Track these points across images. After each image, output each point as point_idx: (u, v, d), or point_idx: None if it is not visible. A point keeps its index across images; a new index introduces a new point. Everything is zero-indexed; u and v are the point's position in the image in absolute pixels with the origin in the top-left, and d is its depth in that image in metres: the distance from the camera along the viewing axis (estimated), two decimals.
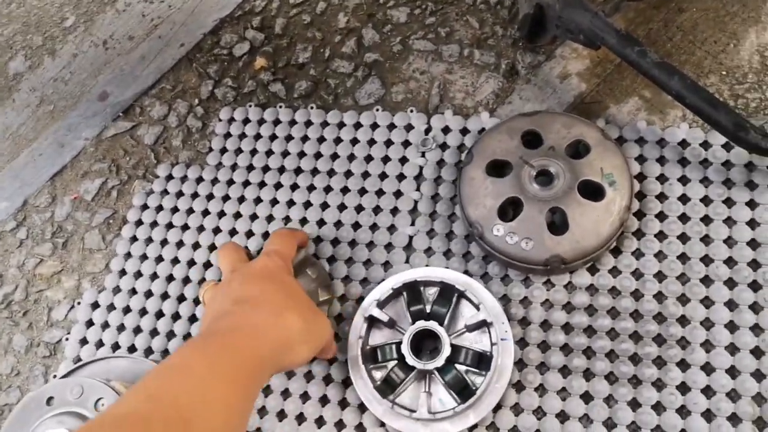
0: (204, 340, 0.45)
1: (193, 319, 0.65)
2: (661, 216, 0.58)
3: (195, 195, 0.70)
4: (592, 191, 0.56)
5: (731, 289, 0.54)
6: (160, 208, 0.71)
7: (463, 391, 0.53)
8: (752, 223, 0.56)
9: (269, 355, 0.45)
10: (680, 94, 0.56)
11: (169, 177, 0.72)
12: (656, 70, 0.56)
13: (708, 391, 0.52)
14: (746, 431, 0.50)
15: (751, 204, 0.57)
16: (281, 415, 0.59)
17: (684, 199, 0.58)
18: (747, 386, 0.51)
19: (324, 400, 0.58)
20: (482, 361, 0.54)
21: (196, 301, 0.65)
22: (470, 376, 0.54)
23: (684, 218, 0.57)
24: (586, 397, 0.53)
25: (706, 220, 0.57)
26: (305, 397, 0.59)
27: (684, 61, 0.66)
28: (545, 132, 0.59)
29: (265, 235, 0.66)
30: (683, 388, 0.52)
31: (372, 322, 0.57)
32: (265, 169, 0.69)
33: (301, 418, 0.58)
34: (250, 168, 0.70)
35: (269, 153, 0.70)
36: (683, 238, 0.57)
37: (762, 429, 0.50)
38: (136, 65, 0.81)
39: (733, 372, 0.52)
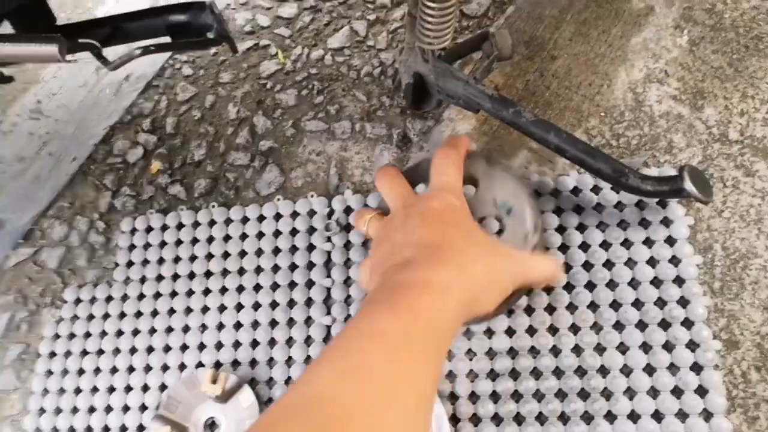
0: (391, 296, 0.40)
1: None
2: (566, 267, 0.59)
3: (106, 316, 0.68)
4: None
5: (642, 331, 0.55)
6: (72, 336, 0.68)
7: None
8: (652, 261, 0.57)
9: (455, 315, 0.41)
10: (559, 148, 0.57)
11: (78, 300, 0.70)
12: (533, 127, 0.58)
13: None
14: None
15: (648, 242, 0.58)
16: None
17: (584, 246, 0.59)
18: (672, 429, 0.51)
19: None
20: None
21: (122, 430, 0.62)
22: None
23: (587, 266, 0.58)
24: None
25: (609, 264, 0.58)
26: None
27: (564, 107, 0.68)
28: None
29: (184, 348, 0.64)
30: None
31: None
32: (175, 277, 0.67)
33: None
34: (159, 278, 0.68)
35: (177, 260, 0.68)
36: (590, 286, 0.58)
37: None
38: (30, 187, 0.78)
39: (657, 416, 0.52)
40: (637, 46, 0.70)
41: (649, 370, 0.54)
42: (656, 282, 0.57)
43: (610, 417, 0.53)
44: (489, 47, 0.62)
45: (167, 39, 0.48)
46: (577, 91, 0.68)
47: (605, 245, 0.59)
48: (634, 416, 0.53)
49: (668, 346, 0.54)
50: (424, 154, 0.68)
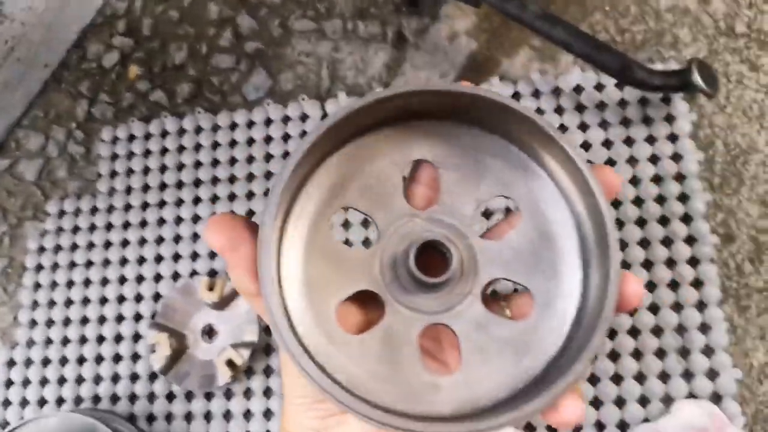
0: None
1: (117, 358, 0.61)
2: None
3: (93, 227, 0.66)
4: None
5: (642, 227, 0.55)
6: (58, 248, 0.66)
7: None
8: (653, 159, 0.57)
9: None
10: (566, 42, 0.55)
11: (61, 213, 0.67)
12: (539, 21, 0.55)
13: (634, 333, 0.53)
14: (672, 362, 0.52)
15: (650, 139, 0.57)
16: None
17: (585, 145, 0.58)
18: (667, 320, 0.52)
19: None
20: None
21: (118, 339, 0.62)
22: None
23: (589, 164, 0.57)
24: None
25: (610, 162, 0.57)
26: None
27: (568, 1, 0.64)
28: None
29: (176, 257, 0.63)
30: (610, 333, 0.53)
31: None
32: (162, 186, 0.65)
33: None
34: (146, 188, 0.65)
35: (163, 168, 0.66)
36: None
37: (686, 357, 0.52)
38: (0, 96, 0.74)
39: (653, 309, 0.53)
40: None
41: (647, 264, 0.54)
42: (657, 179, 0.56)
43: None
44: None
45: None
46: None
47: (607, 144, 0.58)
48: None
49: (666, 241, 0.54)
50: (421, 56, 0.65)
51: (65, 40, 0.74)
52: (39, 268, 0.66)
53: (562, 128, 0.59)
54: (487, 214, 0.57)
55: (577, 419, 0.23)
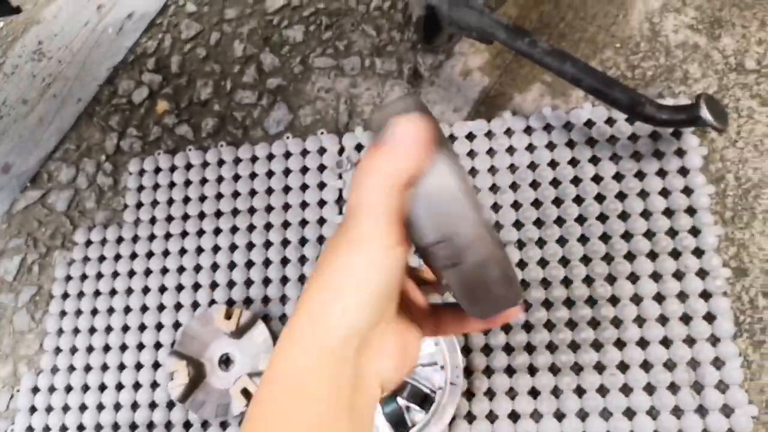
0: None
1: (137, 386, 0.63)
2: (578, 200, 0.59)
3: (118, 257, 0.68)
4: None
5: (653, 260, 0.55)
6: (84, 277, 0.69)
7: (399, 427, 0.53)
8: (664, 192, 0.57)
9: None
10: (575, 78, 0.56)
11: (88, 242, 0.70)
12: (549, 58, 0.56)
13: (646, 366, 0.53)
14: (685, 397, 0.51)
15: (661, 173, 0.58)
16: None
17: (596, 178, 0.59)
18: (680, 354, 0.52)
19: None
20: (426, 401, 0.54)
21: (138, 367, 0.63)
22: (411, 412, 0.54)
23: (600, 198, 0.58)
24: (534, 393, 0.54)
25: (621, 196, 0.58)
26: None
27: (578, 38, 0.66)
28: None
29: (196, 287, 0.65)
30: (622, 366, 0.53)
31: None
32: (185, 217, 0.67)
33: None
34: (170, 219, 0.68)
35: (186, 200, 0.68)
36: (602, 218, 0.58)
37: (699, 392, 0.51)
38: (35, 129, 0.77)
39: (666, 342, 0.53)
40: None
41: (659, 298, 0.54)
42: (668, 212, 0.57)
43: (620, 344, 0.54)
44: None
45: None
46: (593, 22, 0.66)
47: (618, 177, 0.59)
48: (643, 343, 0.53)
49: (678, 275, 0.55)
50: (436, 91, 0.67)
51: (98, 77, 0.78)
52: (65, 296, 0.68)
53: (573, 162, 0.60)
54: None
55: None
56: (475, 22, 0.59)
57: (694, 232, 0.55)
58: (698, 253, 0.55)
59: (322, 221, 0.64)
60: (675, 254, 0.55)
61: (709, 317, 0.53)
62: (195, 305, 0.64)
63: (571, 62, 0.56)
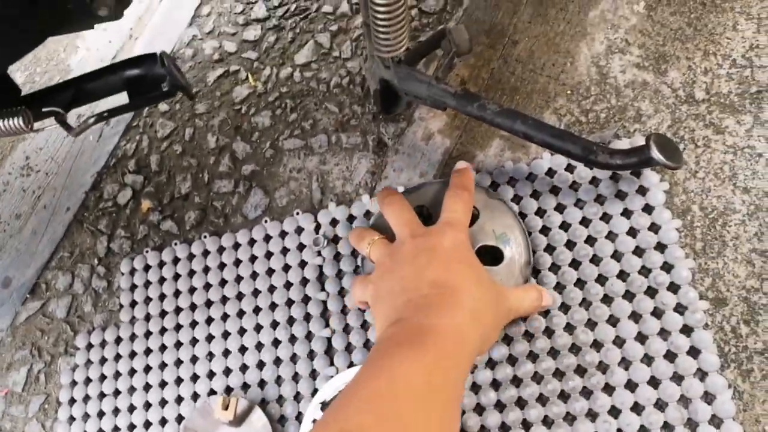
0: (413, 339, 0.43)
1: None
2: (549, 249, 0.60)
3: (118, 357, 0.70)
4: (491, 256, 0.58)
5: (630, 301, 0.56)
6: (88, 380, 0.70)
7: None
8: (632, 232, 0.58)
9: (470, 359, 0.46)
10: (527, 135, 0.58)
11: (89, 346, 0.72)
12: (499, 118, 0.59)
13: (637, 408, 0.53)
14: None
15: (626, 213, 0.59)
16: None
17: (564, 226, 0.60)
18: (669, 393, 0.52)
19: None
20: None
21: None
22: None
23: (570, 244, 0.59)
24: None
25: (590, 240, 0.59)
26: None
27: (530, 90, 0.68)
28: (433, 206, 0.61)
29: (194, 378, 0.66)
30: (614, 411, 0.53)
31: None
32: (177, 310, 0.69)
33: None
34: (163, 314, 0.70)
35: (177, 293, 0.70)
36: (574, 264, 0.59)
37: (694, 429, 0.51)
38: (29, 242, 0.81)
39: (654, 382, 0.53)
40: (596, 18, 0.71)
41: (641, 338, 0.55)
42: (639, 251, 0.57)
43: (609, 389, 0.54)
44: (447, 44, 0.63)
45: (124, 94, 0.50)
46: (542, 73, 0.69)
47: (585, 222, 0.60)
48: (631, 385, 0.54)
49: (657, 312, 0.55)
50: (401, 159, 0.70)
51: (84, 184, 0.81)
52: (72, 401, 0.70)
53: (540, 212, 0.61)
54: None
55: None
56: (425, 93, 0.62)
57: (667, 267, 0.56)
58: (674, 288, 0.55)
59: (306, 299, 0.65)
60: (651, 292, 0.56)
61: (694, 351, 0.53)
62: (195, 396, 0.66)
63: (521, 120, 0.58)
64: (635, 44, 0.68)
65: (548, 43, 0.70)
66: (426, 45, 0.69)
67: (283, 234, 0.69)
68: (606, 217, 0.59)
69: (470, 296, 0.48)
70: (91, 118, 0.46)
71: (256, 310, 0.67)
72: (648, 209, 0.59)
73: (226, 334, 0.67)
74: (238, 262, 0.69)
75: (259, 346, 0.65)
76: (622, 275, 0.57)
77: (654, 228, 0.58)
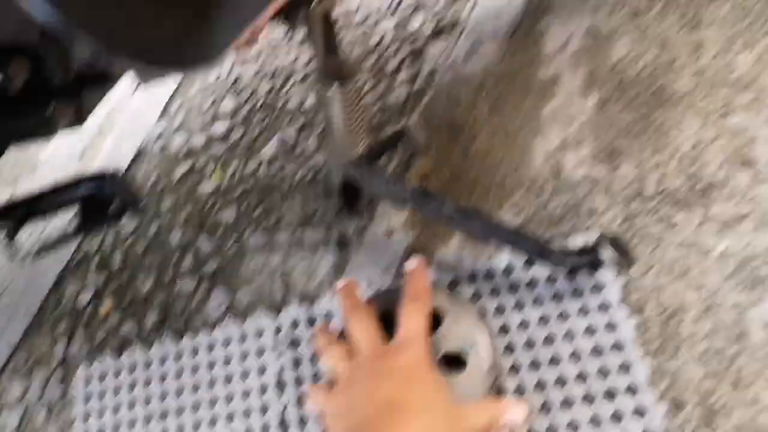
0: None
1: None
2: (509, 349, 0.59)
3: None
4: (456, 361, 0.56)
5: (590, 405, 0.55)
6: None
7: None
8: (590, 330, 0.58)
9: None
10: (484, 235, 0.59)
11: None
12: (456, 219, 0.59)
13: None
14: None
15: (583, 311, 0.59)
16: None
17: (524, 324, 0.60)
18: None
19: None
20: None
21: None
22: None
23: (529, 345, 0.59)
24: None
25: (548, 340, 0.59)
26: None
27: (489, 185, 0.69)
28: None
29: None
30: None
31: None
32: (131, 424, 0.67)
33: None
34: (116, 429, 0.68)
35: (132, 405, 0.68)
36: (534, 366, 0.58)
37: None
38: None
39: None
40: (549, 115, 0.73)
41: None
42: (596, 352, 0.57)
43: None
44: (406, 143, 0.65)
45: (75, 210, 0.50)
46: (500, 168, 0.70)
47: (544, 320, 0.60)
48: None
49: (617, 416, 0.54)
50: (363, 254, 0.70)
51: (45, 285, 0.80)
52: None
53: (499, 310, 0.61)
54: None
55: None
56: (384, 191, 0.63)
57: (625, 368, 0.55)
58: (632, 390, 0.55)
59: (264, 409, 0.63)
60: (610, 395, 0.55)
61: None
62: None
63: (477, 219, 0.59)
64: (588, 140, 0.70)
65: (506, 138, 0.72)
66: (386, 142, 0.70)
67: (243, 337, 0.68)
68: (563, 316, 0.59)
69: (421, 422, 0.47)
70: (37, 248, 0.46)
71: (213, 421, 0.65)
72: (604, 307, 0.59)
73: None
74: (196, 369, 0.68)
75: None
76: (581, 377, 0.56)
77: (610, 327, 0.58)
